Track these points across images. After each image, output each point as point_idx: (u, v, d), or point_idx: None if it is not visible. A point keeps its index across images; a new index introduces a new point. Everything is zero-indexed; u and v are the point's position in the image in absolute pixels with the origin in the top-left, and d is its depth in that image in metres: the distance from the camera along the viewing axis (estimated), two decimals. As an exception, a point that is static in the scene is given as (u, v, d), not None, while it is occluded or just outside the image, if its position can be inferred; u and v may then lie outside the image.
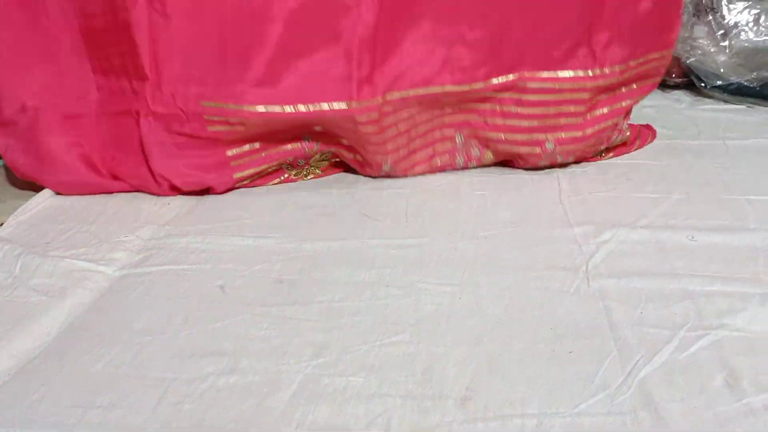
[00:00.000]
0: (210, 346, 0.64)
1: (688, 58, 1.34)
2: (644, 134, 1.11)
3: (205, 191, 0.98)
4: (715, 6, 1.31)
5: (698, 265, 0.74)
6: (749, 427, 0.52)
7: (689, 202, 0.90)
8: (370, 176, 1.01)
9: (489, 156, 1.01)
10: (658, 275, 0.73)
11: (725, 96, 1.33)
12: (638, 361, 0.60)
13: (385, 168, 0.98)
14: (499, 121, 0.97)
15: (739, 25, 1.30)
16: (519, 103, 0.95)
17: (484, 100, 0.96)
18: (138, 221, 0.90)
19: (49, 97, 0.95)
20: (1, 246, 0.82)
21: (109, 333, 0.67)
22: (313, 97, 0.89)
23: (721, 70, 1.31)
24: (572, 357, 0.61)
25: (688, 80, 1.40)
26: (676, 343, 0.62)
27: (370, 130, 0.91)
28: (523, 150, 0.98)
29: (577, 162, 1.03)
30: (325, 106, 0.89)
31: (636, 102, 1.02)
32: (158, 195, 0.97)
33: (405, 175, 1.00)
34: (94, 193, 0.98)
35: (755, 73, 1.30)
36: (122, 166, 0.97)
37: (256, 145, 0.96)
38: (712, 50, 1.31)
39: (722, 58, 1.31)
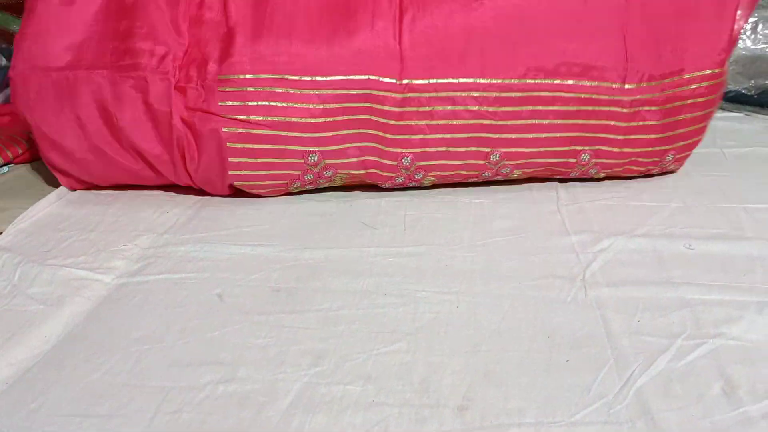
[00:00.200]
0: (208, 355, 0.65)
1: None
2: None
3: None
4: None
5: (695, 274, 0.75)
6: (746, 436, 0.52)
7: (687, 211, 0.90)
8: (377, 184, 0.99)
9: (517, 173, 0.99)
10: (656, 284, 0.73)
11: (723, 104, 1.33)
12: (635, 370, 0.60)
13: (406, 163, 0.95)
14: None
15: (736, 33, 1.30)
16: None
17: None
18: (137, 229, 0.90)
19: None
20: (1, 254, 0.82)
21: (108, 342, 0.67)
22: None
23: (719, 78, 1.32)
24: (569, 366, 0.61)
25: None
26: (673, 352, 0.62)
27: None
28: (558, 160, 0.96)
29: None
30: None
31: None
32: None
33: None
34: None
35: (753, 81, 1.31)
36: None
37: None
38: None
39: (720, 66, 1.31)
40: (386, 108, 0.89)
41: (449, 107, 0.90)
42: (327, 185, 0.99)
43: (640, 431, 0.53)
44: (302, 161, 0.92)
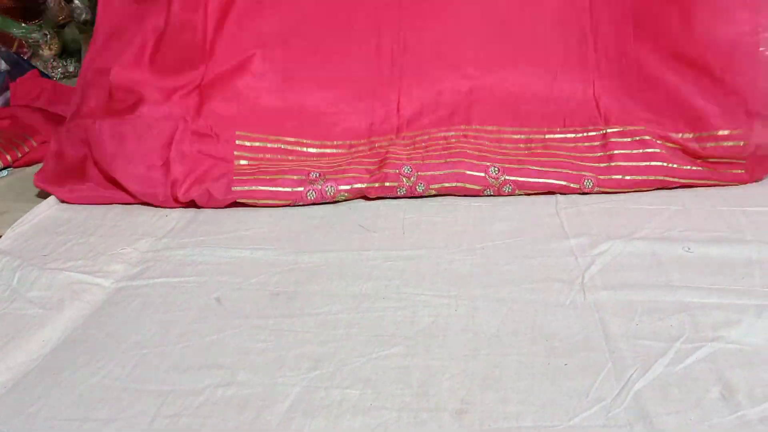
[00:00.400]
0: (207, 359, 0.65)
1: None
2: None
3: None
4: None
5: (694, 277, 0.74)
6: (744, 440, 0.52)
7: (686, 214, 0.90)
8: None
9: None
10: (654, 287, 0.73)
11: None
12: (633, 373, 0.60)
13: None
14: None
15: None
16: None
17: None
18: (136, 233, 0.90)
19: None
20: (0, 258, 0.83)
21: (106, 346, 0.67)
22: None
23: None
24: (567, 369, 0.61)
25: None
26: (672, 355, 0.62)
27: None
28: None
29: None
30: None
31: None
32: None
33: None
34: None
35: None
36: None
37: None
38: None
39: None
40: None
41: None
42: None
43: (638, 435, 0.53)
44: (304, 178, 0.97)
